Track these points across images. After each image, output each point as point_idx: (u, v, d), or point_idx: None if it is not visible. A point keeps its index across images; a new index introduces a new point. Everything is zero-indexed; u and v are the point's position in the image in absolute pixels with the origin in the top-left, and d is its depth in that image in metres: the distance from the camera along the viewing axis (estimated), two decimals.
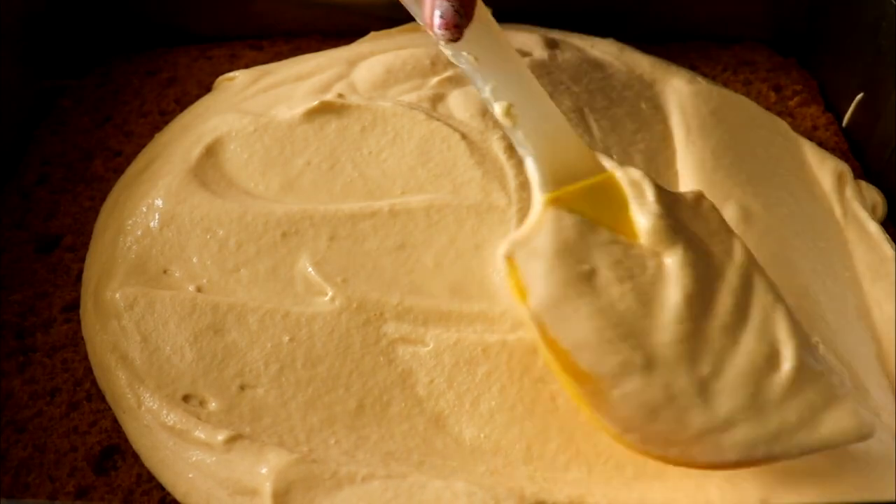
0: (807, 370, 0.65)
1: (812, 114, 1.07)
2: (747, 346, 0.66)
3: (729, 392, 0.64)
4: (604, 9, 1.12)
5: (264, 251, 0.82)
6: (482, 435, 0.71)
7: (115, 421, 0.76)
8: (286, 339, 0.77)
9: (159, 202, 0.86)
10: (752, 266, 0.71)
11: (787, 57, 1.16)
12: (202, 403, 0.74)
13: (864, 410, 0.66)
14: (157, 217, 0.85)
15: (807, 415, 0.63)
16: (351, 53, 1.06)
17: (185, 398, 0.74)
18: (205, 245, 0.83)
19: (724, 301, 0.68)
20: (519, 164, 0.85)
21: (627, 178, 0.75)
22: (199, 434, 0.71)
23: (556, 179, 0.75)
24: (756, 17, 1.15)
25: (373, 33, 1.11)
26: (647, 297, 0.68)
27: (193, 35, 1.15)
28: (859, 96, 1.02)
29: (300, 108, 0.94)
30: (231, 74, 1.06)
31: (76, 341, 0.82)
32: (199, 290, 0.80)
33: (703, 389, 0.64)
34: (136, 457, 0.74)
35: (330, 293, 0.79)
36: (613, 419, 0.64)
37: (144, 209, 0.87)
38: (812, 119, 1.06)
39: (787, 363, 0.65)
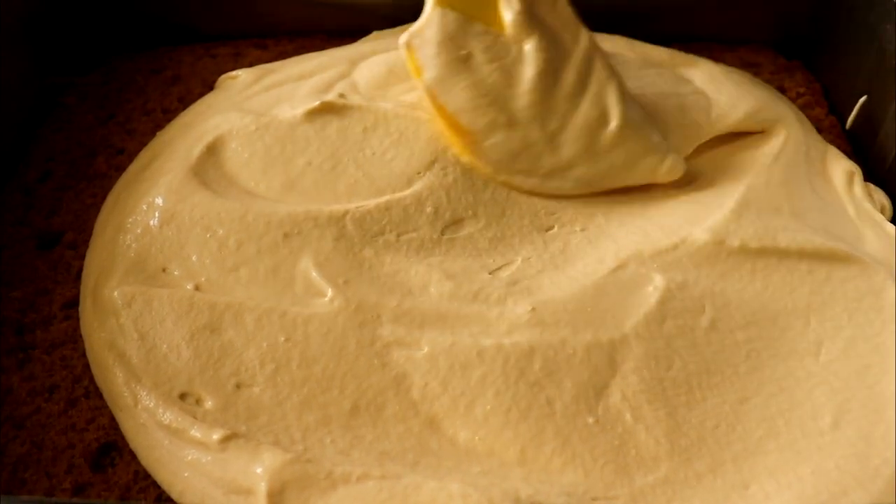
0: (631, 129, 0.89)
1: (816, 116, 1.06)
2: (585, 109, 0.89)
3: (571, 142, 0.89)
4: (608, 10, 1.11)
5: (265, 251, 0.82)
6: (476, 438, 0.72)
7: (112, 418, 0.76)
8: (282, 339, 0.77)
9: (160, 200, 0.87)
10: (593, 50, 0.92)
11: (792, 60, 1.15)
12: (198, 402, 0.74)
13: (676, 157, 0.90)
14: (157, 215, 0.86)
15: (630, 158, 0.89)
16: (353, 53, 1.06)
17: (182, 396, 0.74)
18: (204, 244, 0.83)
19: (569, 76, 0.90)
20: None
21: None
22: (195, 433, 0.71)
23: None
24: (761, 20, 1.14)
25: (375, 33, 1.11)
26: (509, 74, 0.89)
27: (198, 33, 1.16)
28: (862, 99, 1.02)
29: (301, 108, 0.94)
30: (233, 73, 1.06)
31: (75, 338, 0.83)
32: (197, 288, 0.81)
33: (552, 140, 0.89)
34: (133, 454, 0.74)
35: (329, 294, 0.79)
36: (487, 163, 0.89)
37: (145, 207, 0.87)
38: (816, 121, 1.05)
39: (614, 121, 0.89)
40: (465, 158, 0.89)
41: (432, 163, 0.89)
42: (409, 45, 0.90)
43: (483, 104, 0.88)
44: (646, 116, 0.92)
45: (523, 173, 0.89)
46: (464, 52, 0.89)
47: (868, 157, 0.99)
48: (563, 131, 0.89)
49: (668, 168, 0.89)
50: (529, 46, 0.89)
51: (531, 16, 0.90)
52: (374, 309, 0.78)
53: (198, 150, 0.91)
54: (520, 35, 0.89)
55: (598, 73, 0.90)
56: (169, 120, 1.03)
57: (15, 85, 0.99)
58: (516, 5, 0.89)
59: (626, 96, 0.91)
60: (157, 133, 1.01)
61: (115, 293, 0.80)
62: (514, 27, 0.89)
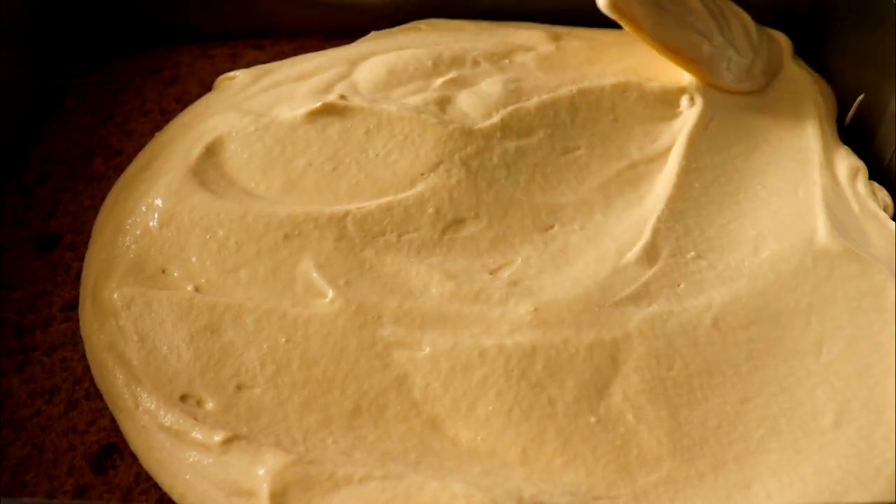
0: (754, 22, 1.11)
1: None
2: (732, 20, 1.09)
3: (743, 49, 1.06)
4: None
5: (265, 252, 0.82)
6: (478, 438, 0.72)
7: (113, 420, 0.76)
8: (283, 340, 0.77)
9: (159, 201, 0.87)
10: None
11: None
12: (199, 403, 0.74)
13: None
14: (156, 216, 0.86)
15: (772, 51, 1.10)
16: (352, 53, 1.06)
17: (183, 398, 0.74)
18: (204, 245, 0.83)
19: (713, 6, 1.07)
20: None
21: None
22: (196, 434, 0.71)
23: None
24: (760, 17, 1.14)
25: (373, 33, 1.11)
26: (686, 6, 1.03)
27: (195, 34, 1.16)
28: (860, 97, 1.02)
29: (302, 109, 0.94)
30: (231, 74, 1.06)
31: (75, 340, 0.82)
32: (197, 289, 0.81)
33: (738, 51, 1.06)
34: (134, 456, 0.74)
35: (330, 295, 0.79)
36: (719, 84, 1.03)
37: (144, 208, 0.87)
38: None
39: (750, 24, 1.10)
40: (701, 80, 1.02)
41: (437, 164, 0.89)
42: (618, 9, 0.97)
43: (697, 38, 1.02)
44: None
45: (741, 82, 1.03)
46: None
47: (866, 156, 0.99)
48: (734, 41, 1.06)
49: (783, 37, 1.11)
50: None
51: None
52: (375, 310, 0.78)
53: (197, 151, 0.91)
54: None
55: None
56: (167, 121, 1.03)
57: (13, 85, 0.99)
58: None
59: None
60: (156, 134, 1.01)
61: (115, 295, 0.80)
62: None
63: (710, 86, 1.03)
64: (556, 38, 1.09)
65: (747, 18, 1.09)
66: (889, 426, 0.71)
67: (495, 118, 0.94)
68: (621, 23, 0.99)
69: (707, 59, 1.02)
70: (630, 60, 1.07)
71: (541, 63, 1.06)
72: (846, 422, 0.72)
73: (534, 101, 0.97)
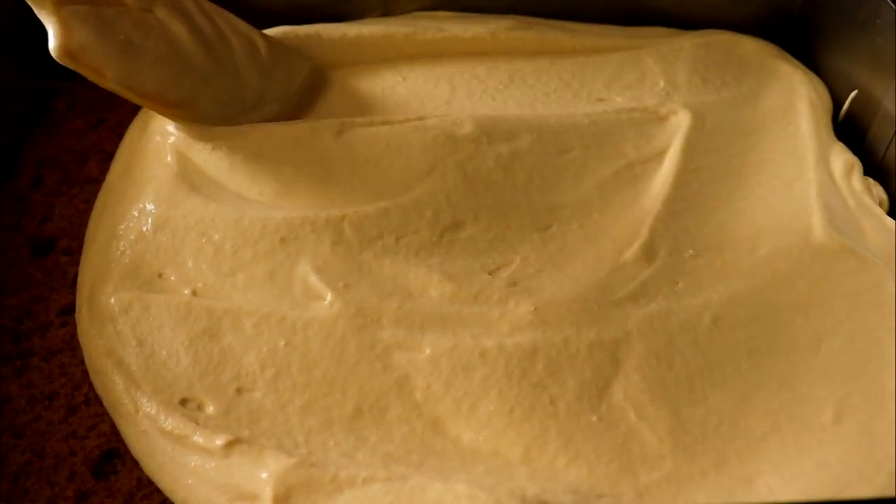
0: (270, 42, 1.00)
1: None
2: (236, 44, 0.94)
3: (250, 72, 0.95)
4: None
5: (262, 256, 0.82)
6: (480, 438, 0.72)
7: (113, 425, 0.76)
8: (282, 343, 0.77)
9: (151, 206, 0.86)
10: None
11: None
12: (200, 407, 0.74)
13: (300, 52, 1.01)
14: (149, 221, 0.85)
15: (286, 67, 1.00)
16: None
17: (183, 402, 0.74)
18: (200, 249, 0.83)
19: (202, 22, 0.92)
20: None
21: None
22: (198, 439, 0.71)
23: None
24: (751, 10, 1.15)
25: None
26: (168, 39, 0.88)
27: None
28: (853, 93, 1.02)
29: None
30: None
31: (73, 345, 0.82)
32: (194, 293, 0.80)
33: (238, 79, 0.94)
34: (135, 461, 0.74)
35: (329, 298, 0.79)
36: (209, 120, 0.91)
37: (136, 213, 0.86)
38: None
39: (262, 43, 0.98)
40: (185, 128, 0.91)
41: (432, 169, 0.89)
42: (72, 57, 0.81)
43: (175, 75, 0.88)
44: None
45: (240, 115, 0.93)
46: (121, 37, 0.84)
47: (860, 152, 0.99)
48: (239, 67, 0.94)
49: (307, 58, 1.01)
50: (161, 11, 0.88)
51: None
52: (375, 312, 0.78)
53: (171, 155, 0.91)
54: (142, 3, 0.87)
55: (222, 15, 0.96)
56: None
57: (5, 89, 0.98)
58: None
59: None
60: (126, 133, 1.00)
61: (112, 300, 0.80)
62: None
63: (195, 123, 0.92)
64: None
65: (258, 39, 0.98)
66: (889, 420, 0.72)
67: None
68: (81, 73, 0.83)
69: (187, 99, 0.90)
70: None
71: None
72: (846, 417, 0.72)
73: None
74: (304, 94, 1.01)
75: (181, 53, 0.89)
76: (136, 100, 0.87)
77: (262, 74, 0.96)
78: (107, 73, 0.83)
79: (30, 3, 0.79)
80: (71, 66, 0.81)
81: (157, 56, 0.87)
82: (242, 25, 0.97)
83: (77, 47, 0.81)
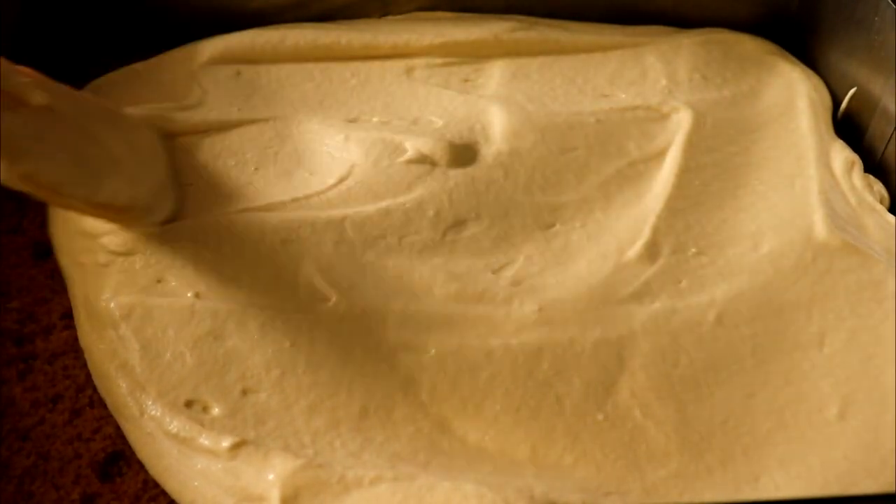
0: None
1: None
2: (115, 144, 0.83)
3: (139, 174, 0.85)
4: None
5: (264, 257, 0.82)
6: (487, 437, 0.72)
7: (118, 427, 0.76)
8: (287, 344, 0.77)
9: None
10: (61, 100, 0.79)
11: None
12: (205, 409, 0.74)
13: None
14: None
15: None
16: None
17: (188, 404, 0.74)
18: (198, 253, 0.82)
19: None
20: None
21: None
22: (204, 441, 0.71)
23: None
24: (750, 13, 1.15)
25: None
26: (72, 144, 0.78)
27: (187, 40, 1.14)
28: (852, 90, 1.03)
29: None
30: None
31: (77, 347, 0.82)
32: (197, 296, 0.80)
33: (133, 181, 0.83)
34: (141, 463, 0.73)
35: (334, 299, 0.79)
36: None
37: None
38: None
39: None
40: None
41: (432, 169, 0.89)
42: (26, 179, 0.73)
43: (119, 180, 0.81)
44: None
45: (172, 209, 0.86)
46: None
47: (859, 149, 1.00)
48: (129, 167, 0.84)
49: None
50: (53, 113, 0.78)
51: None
52: (380, 313, 0.78)
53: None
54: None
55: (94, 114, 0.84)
56: None
57: None
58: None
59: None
60: None
61: (112, 304, 0.79)
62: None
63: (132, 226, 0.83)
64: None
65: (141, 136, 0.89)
66: (894, 416, 0.72)
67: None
68: (37, 196, 0.77)
69: (131, 202, 0.82)
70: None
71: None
72: (851, 413, 0.73)
73: None
74: None
75: (120, 162, 0.82)
76: (90, 213, 0.81)
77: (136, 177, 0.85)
78: (65, 190, 0.76)
79: None
80: (27, 190, 0.73)
81: (102, 164, 0.79)
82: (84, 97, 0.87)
83: (32, 169, 0.73)
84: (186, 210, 0.87)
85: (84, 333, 0.81)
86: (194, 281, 0.81)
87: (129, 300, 0.79)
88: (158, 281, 0.82)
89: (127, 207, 0.82)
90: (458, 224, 0.86)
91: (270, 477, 0.68)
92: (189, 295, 0.80)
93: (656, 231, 0.86)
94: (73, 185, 0.77)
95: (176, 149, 0.93)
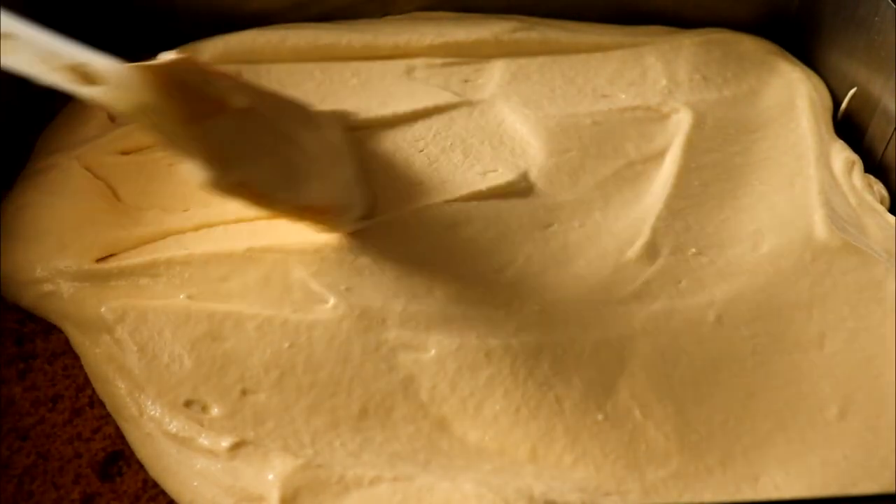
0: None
1: None
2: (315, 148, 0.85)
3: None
4: None
5: (251, 261, 0.82)
6: (487, 437, 0.72)
7: (118, 426, 0.76)
8: (286, 345, 0.76)
9: None
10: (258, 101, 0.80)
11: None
12: (204, 409, 0.74)
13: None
14: None
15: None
16: None
17: (187, 404, 0.74)
18: (185, 257, 0.82)
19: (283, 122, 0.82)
20: None
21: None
22: (203, 441, 0.71)
23: None
24: (750, 14, 1.15)
25: None
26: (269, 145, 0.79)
27: (188, 40, 1.14)
28: (852, 91, 1.03)
29: None
30: None
31: None
32: (189, 298, 0.80)
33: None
34: (141, 462, 0.74)
35: (332, 301, 0.79)
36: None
37: None
38: None
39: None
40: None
41: None
42: (226, 189, 0.74)
43: (319, 182, 0.82)
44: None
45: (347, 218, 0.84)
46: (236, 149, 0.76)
47: (859, 149, 1.00)
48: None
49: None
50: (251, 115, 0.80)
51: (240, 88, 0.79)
52: (380, 313, 0.78)
53: None
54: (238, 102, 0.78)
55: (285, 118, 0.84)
56: None
57: (6, 94, 0.98)
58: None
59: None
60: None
61: (103, 309, 0.79)
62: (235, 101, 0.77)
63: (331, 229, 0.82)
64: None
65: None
66: (893, 416, 0.72)
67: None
68: (247, 204, 0.77)
69: (331, 201, 0.82)
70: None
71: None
72: (851, 413, 0.73)
73: None
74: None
75: (290, 158, 0.81)
76: (288, 216, 0.80)
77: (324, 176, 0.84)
78: (266, 192, 0.77)
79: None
80: (230, 197, 0.75)
81: (300, 168, 0.80)
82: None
83: (235, 176, 0.74)
84: (378, 207, 0.87)
85: (77, 342, 0.81)
86: (184, 284, 0.81)
87: (122, 303, 0.79)
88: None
89: (328, 208, 0.82)
90: (450, 227, 0.86)
91: (270, 477, 0.68)
92: (182, 297, 0.80)
93: (656, 231, 0.86)
94: (279, 189, 0.77)
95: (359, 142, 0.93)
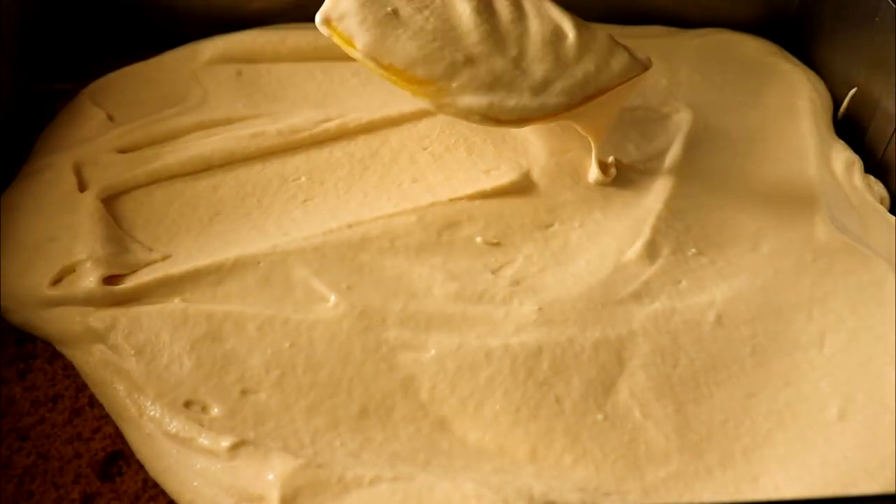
0: (586, 33, 0.87)
1: None
2: (535, 28, 0.86)
3: (537, 62, 0.85)
4: None
5: (250, 262, 0.82)
6: (486, 437, 0.72)
7: (118, 426, 0.76)
8: (286, 345, 0.76)
9: None
10: None
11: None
12: (204, 409, 0.74)
13: (639, 54, 0.88)
14: None
15: (600, 62, 0.86)
16: None
17: (187, 404, 0.74)
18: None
19: (502, 3, 0.87)
20: None
21: None
22: (203, 441, 0.71)
23: None
24: (750, 9, 1.15)
25: None
26: (445, 17, 0.85)
27: (188, 40, 1.15)
28: (852, 91, 1.03)
29: None
30: None
31: None
32: (185, 301, 0.80)
33: (518, 65, 0.84)
34: (141, 462, 0.73)
35: (333, 300, 0.79)
36: (460, 109, 0.84)
37: None
38: None
39: (570, 32, 0.86)
40: (436, 107, 0.86)
41: None
42: (328, 23, 0.86)
43: (434, 50, 0.83)
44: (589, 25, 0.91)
45: (503, 108, 0.84)
46: (389, 8, 0.84)
47: (859, 149, 1.00)
48: (525, 55, 0.85)
49: (637, 61, 0.88)
50: None
51: None
52: (380, 313, 0.78)
53: None
54: None
55: None
56: None
57: (4, 93, 0.98)
58: None
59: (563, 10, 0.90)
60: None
61: (91, 319, 0.79)
62: None
63: (437, 100, 0.85)
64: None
65: (570, 28, 0.88)
66: (893, 417, 0.72)
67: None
68: (334, 40, 0.86)
69: (437, 77, 0.84)
70: None
71: None
72: (851, 413, 0.73)
73: None
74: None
75: (452, 31, 0.85)
76: (379, 72, 0.85)
77: (556, 64, 0.86)
78: (356, 44, 0.84)
79: None
80: (325, 32, 0.86)
81: (420, 30, 0.84)
82: (555, 11, 0.89)
83: (336, 16, 0.85)
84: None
85: (70, 353, 0.80)
86: (178, 287, 0.81)
87: (109, 312, 0.79)
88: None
89: (423, 81, 0.85)
90: (451, 226, 0.86)
91: (270, 477, 0.68)
92: (177, 300, 0.80)
93: (656, 231, 0.86)
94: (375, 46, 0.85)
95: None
